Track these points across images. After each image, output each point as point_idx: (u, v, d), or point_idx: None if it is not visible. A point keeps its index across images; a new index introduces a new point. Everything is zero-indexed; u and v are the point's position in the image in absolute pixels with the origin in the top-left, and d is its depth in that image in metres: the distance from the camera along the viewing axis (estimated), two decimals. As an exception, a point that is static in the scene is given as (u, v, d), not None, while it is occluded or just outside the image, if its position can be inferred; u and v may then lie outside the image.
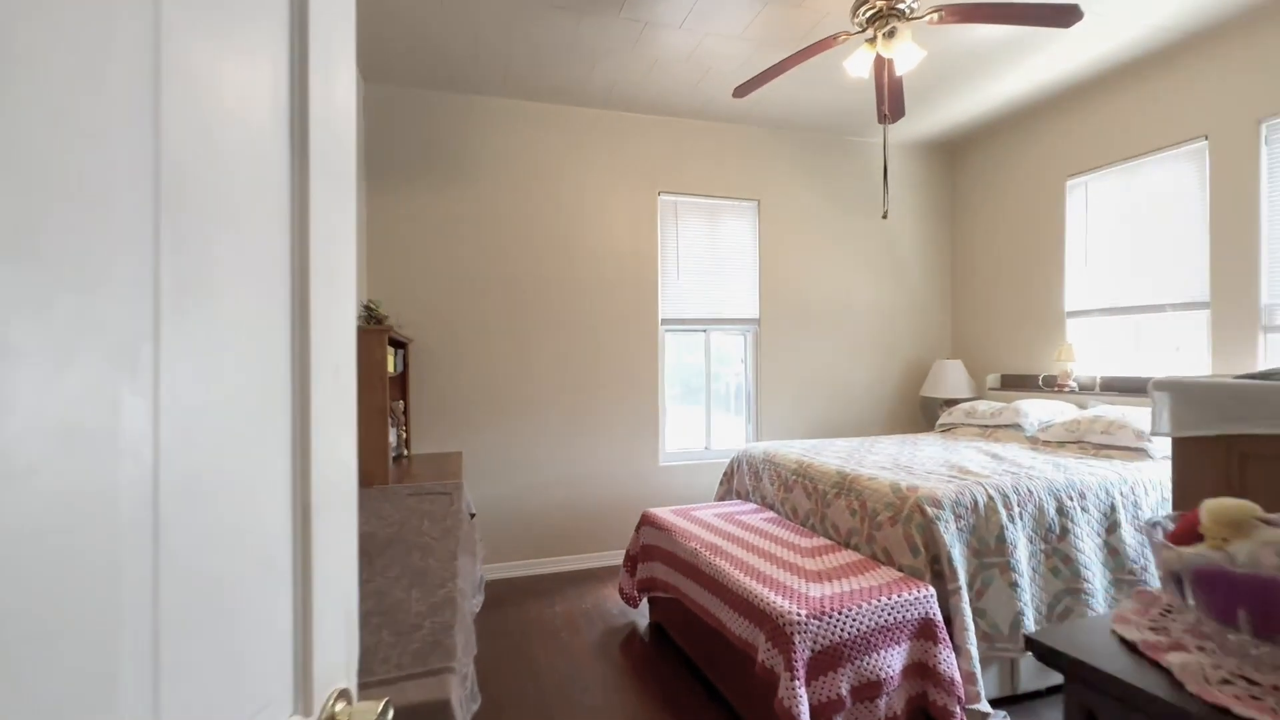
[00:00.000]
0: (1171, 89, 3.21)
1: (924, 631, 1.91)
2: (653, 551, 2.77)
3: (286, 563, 0.54)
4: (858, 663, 1.79)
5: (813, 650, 1.75)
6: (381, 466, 2.33)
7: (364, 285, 3.32)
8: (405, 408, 3.38)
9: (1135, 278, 3.39)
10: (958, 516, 2.13)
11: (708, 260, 4.08)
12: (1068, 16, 2.14)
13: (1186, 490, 1.61)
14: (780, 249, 4.20)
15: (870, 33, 2.34)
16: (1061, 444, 3.08)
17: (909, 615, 1.89)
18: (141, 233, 0.37)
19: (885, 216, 2.79)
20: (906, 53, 2.35)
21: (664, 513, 2.88)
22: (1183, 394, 1.60)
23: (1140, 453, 2.71)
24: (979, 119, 4.09)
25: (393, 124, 3.44)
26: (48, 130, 0.31)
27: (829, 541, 2.42)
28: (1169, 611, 1.02)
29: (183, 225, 0.40)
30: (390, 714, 0.58)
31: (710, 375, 4.11)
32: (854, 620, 1.81)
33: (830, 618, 1.78)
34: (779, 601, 1.83)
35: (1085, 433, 2.97)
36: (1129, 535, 2.37)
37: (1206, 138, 3.06)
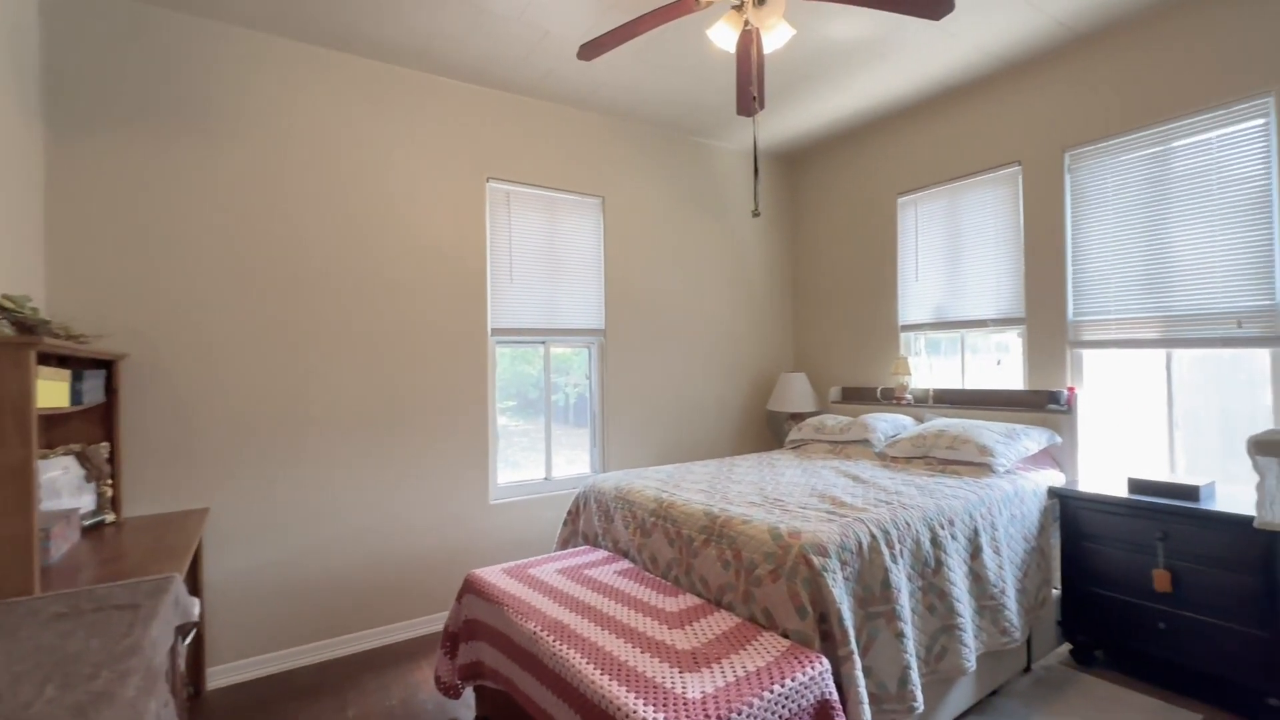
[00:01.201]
0: (989, 115, 3.37)
1: (820, 717, 1.55)
2: (478, 629, 2.15)
3: None
4: (750, 781, 1.37)
5: (697, 781, 1.29)
6: (21, 565, 1.42)
7: (38, 274, 2.25)
8: (114, 453, 2.36)
9: (961, 293, 3.52)
10: (844, 564, 1.83)
11: (546, 261, 3.53)
12: (938, 7, 1.97)
13: None
14: (627, 253, 3.80)
15: (738, -3, 2.00)
16: (909, 460, 3.03)
17: (805, 701, 1.52)
18: None
19: (757, 214, 2.50)
20: (776, 27, 2.05)
21: (493, 575, 2.26)
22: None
23: (984, 468, 2.70)
24: (818, 131, 4.07)
25: (97, 44, 2.41)
26: None
27: (698, 600, 2.01)
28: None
29: None
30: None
31: (549, 392, 3.56)
32: (745, 726, 1.39)
33: (717, 731, 1.34)
34: (649, 716, 1.35)
35: (931, 448, 2.94)
36: (989, 559, 2.29)
37: (1019, 163, 3.24)
